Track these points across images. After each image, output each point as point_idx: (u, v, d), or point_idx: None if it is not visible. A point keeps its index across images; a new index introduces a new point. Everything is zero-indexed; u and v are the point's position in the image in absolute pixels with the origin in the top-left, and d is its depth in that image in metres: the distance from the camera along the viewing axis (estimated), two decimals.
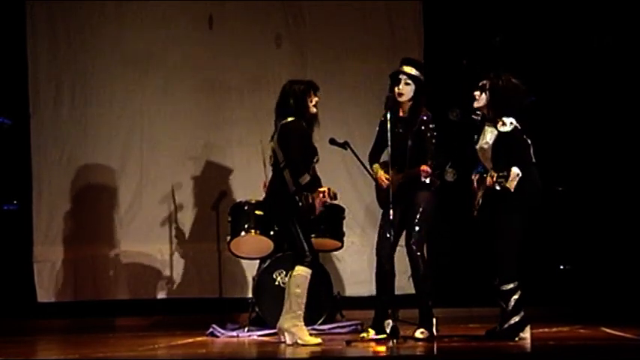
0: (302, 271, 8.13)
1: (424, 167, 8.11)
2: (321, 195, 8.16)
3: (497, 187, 7.70)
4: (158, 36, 11.21)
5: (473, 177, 8.14)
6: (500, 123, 7.86)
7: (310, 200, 8.12)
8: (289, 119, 8.23)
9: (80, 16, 11.21)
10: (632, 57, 11.00)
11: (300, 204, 8.08)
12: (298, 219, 8.12)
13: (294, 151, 8.14)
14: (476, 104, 8.08)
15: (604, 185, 11.00)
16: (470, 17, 11.21)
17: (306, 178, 8.13)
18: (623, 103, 11.02)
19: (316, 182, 8.26)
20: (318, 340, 8.14)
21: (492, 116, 7.97)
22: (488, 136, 7.97)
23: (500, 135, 7.88)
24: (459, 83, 10.52)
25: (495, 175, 7.69)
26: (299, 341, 8.07)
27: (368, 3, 11.40)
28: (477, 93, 8.07)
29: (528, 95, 8.09)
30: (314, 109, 8.31)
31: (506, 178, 7.63)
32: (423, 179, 8.15)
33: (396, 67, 10.82)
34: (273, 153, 8.31)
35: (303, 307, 8.17)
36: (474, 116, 8.15)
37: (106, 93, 11.18)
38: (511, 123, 7.85)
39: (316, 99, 8.32)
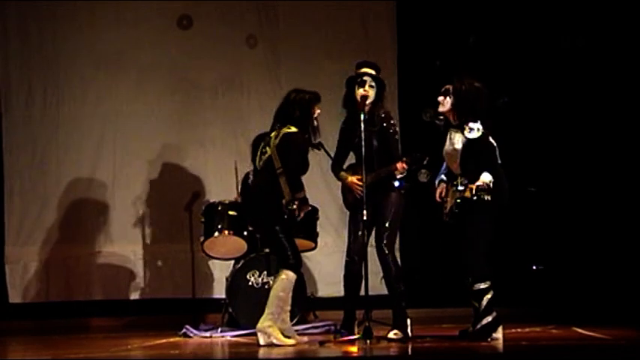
0: (288, 276, 8.13)
1: (400, 164, 8.14)
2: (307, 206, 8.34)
3: (475, 198, 7.72)
4: (131, 36, 11.17)
5: (437, 186, 8.19)
6: (468, 129, 7.88)
7: (296, 210, 8.15)
8: (293, 129, 8.16)
9: (52, 15, 11.15)
10: (605, 58, 11.06)
11: (289, 211, 8.10)
12: (286, 224, 8.13)
13: (293, 164, 8.13)
14: (441, 108, 8.12)
15: (576, 186, 11.05)
16: (443, 18, 11.24)
17: (302, 194, 8.19)
18: (595, 104, 11.07)
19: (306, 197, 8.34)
20: (293, 341, 8.14)
21: (458, 120, 8.01)
22: (456, 140, 7.99)
23: (469, 141, 7.91)
24: (433, 84, 10.57)
25: (474, 187, 7.70)
26: (274, 341, 8.06)
27: (342, 3, 11.41)
28: (440, 98, 8.12)
29: (491, 99, 8.13)
30: (315, 122, 8.27)
31: (485, 190, 7.65)
32: (398, 176, 8.18)
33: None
34: (269, 158, 8.21)
35: (283, 310, 8.17)
36: (437, 121, 8.18)
37: (79, 93, 11.14)
38: (478, 129, 7.87)
39: (319, 111, 8.28)
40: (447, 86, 8.09)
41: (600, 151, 11.03)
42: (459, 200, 7.87)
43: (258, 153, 8.36)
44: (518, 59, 11.02)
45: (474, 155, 7.89)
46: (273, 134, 8.25)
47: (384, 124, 8.34)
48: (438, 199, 8.24)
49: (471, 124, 7.87)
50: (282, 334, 8.15)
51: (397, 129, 8.42)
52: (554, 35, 11.15)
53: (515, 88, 10.17)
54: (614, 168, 10.96)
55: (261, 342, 8.11)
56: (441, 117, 8.15)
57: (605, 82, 11.04)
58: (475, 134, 7.86)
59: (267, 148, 8.25)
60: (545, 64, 11.15)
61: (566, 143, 11.12)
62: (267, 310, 8.12)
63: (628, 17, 10.91)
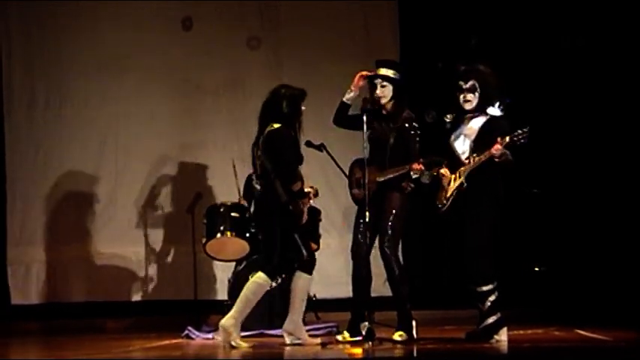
0: (306, 278, 8.15)
1: (416, 165, 8.08)
2: (308, 199, 8.20)
3: (501, 152, 7.67)
4: (133, 38, 11.19)
5: (443, 171, 8.11)
6: (491, 108, 7.86)
7: (301, 207, 8.10)
8: (275, 126, 8.07)
9: (55, 17, 11.18)
10: (605, 58, 11.06)
11: (292, 211, 8.06)
12: (295, 227, 8.10)
13: (284, 160, 8.01)
14: (468, 106, 8.03)
15: (579, 187, 11.05)
16: (446, 18, 11.24)
17: (298, 185, 8.08)
18: (596, 105, 11.07)
19: (303, 187, 8.23)
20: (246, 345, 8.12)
21: (482, 104, 7.96)
22: (474, 123, 7.95)
23: (490, 119, 7.87)
24: (435, 84, 10.57)
25: (508, 136, 7.66)
26: (232, 343, 8.02)
27: (344, 4, 11.42)
28: (470, 96, 8.02)
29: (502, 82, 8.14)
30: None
31: (521, 136, 7.63)
32: (413, 176, 8.14)
33: (371, 67, 10.88)
34: (262, 163, 8.14)
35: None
36: (446, 118, 8.14)
37: (81, 94, 11.17)
38: (501, 109, 7.87)
39: (303, 107, 8.22)
40: (472, 82, 7.99)
41: (601, 152, 11.03)
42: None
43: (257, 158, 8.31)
44: (519, 60, 11.01)
45: (492, 132, 7.82)
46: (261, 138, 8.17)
47: (407, 125, 8.20)
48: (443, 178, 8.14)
49: (496, 105, 7.86)
50: (292, 334, 8.16)
51: (418, 132, 8.23)
52: (554, 35, 11.14)
53: (516, 88, 10.15)
54: (615, 169, 10.96)
55: (287, 341, 8.14)
56: (449, 115, 8.12)
57: (606, 83, 11.04)
58: (499, 112, 7.84)
59: (259, 152, 8.18)
60: (546, 64, 11.15)
61: (567, 144, 11.11)
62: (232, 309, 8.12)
63: (628, 17, 10.91)
